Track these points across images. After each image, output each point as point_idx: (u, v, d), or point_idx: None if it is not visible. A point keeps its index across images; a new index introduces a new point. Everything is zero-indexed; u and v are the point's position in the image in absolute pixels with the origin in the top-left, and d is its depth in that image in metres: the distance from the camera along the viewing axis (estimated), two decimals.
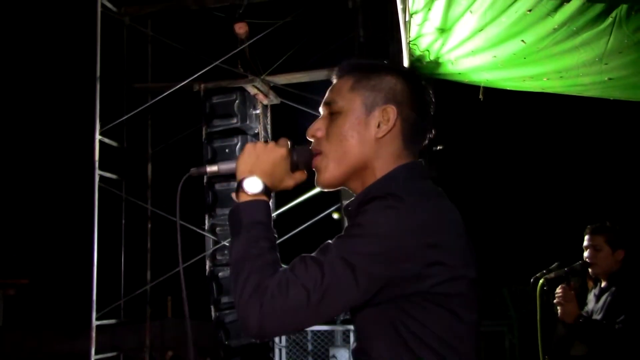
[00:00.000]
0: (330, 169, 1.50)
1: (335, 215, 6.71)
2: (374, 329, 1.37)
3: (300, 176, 1.57)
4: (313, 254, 1.34)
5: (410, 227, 1.30)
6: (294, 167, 1.54)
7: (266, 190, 1.47)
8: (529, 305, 7.67)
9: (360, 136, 1.47)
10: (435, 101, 1.57)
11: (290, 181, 1.55)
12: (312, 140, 1.56)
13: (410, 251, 1.29)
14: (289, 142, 1.54)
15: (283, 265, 1.37)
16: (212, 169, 1.58)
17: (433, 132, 1.56)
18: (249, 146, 1.52)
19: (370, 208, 1.34)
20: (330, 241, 1.35)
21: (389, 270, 1.29)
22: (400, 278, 1.29)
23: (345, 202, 2.00)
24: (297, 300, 1.28)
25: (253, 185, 1.46)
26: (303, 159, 1.54)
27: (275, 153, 1.50)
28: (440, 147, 5.09)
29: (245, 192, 1.46)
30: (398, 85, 1.50)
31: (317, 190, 1.60)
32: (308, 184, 1.60)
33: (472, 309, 1.37)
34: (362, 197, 1.44)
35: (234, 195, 1.49)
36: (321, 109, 1.57)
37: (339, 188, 1.55)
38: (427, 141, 1.56)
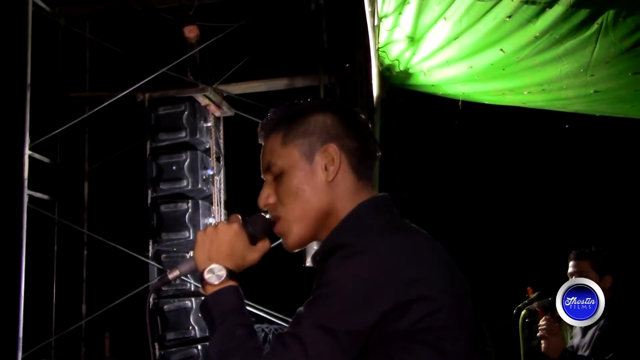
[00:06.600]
0: (295, 231, 1.56)
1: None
2: None
3: (263, 246, 1.61)
4: (289, 329, 1.37)
5: (379, 269, 1.34)
6: (252, 240, 1.59)
7: (231, 274, 1.52)
8: (509, 339, 7.73)
9: (311, 187, 1.53)
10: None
11: (254, 254, 1.59)
12: (266, 209, 1.61)
13: (384, 292, 1.33)
14: (239, 217, 1.60)
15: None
16: (173, 274, 1.62)
17: (379, 151, 1.62)
18: (199, 234, 1.56)
19: (332, 263, 1.39)
20: (301, 309, 1.39)
21: (368, 319, 1.33)
22: (380, 321, 1.33)
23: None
24: None
25: (215, 274, 1.51)
26: (259, 227, 1.59)
27: (229, 231, 1.55)
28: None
29: (210, 284, 1.50)
30: (327, 120, 1.56)
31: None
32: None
33: (460, 338, 1.40)
34: (325, 246, 1.49)
35: (201, 289, 1.54)
36: (263, 177, 1.62)
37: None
38: (377, 160, 1.63)
